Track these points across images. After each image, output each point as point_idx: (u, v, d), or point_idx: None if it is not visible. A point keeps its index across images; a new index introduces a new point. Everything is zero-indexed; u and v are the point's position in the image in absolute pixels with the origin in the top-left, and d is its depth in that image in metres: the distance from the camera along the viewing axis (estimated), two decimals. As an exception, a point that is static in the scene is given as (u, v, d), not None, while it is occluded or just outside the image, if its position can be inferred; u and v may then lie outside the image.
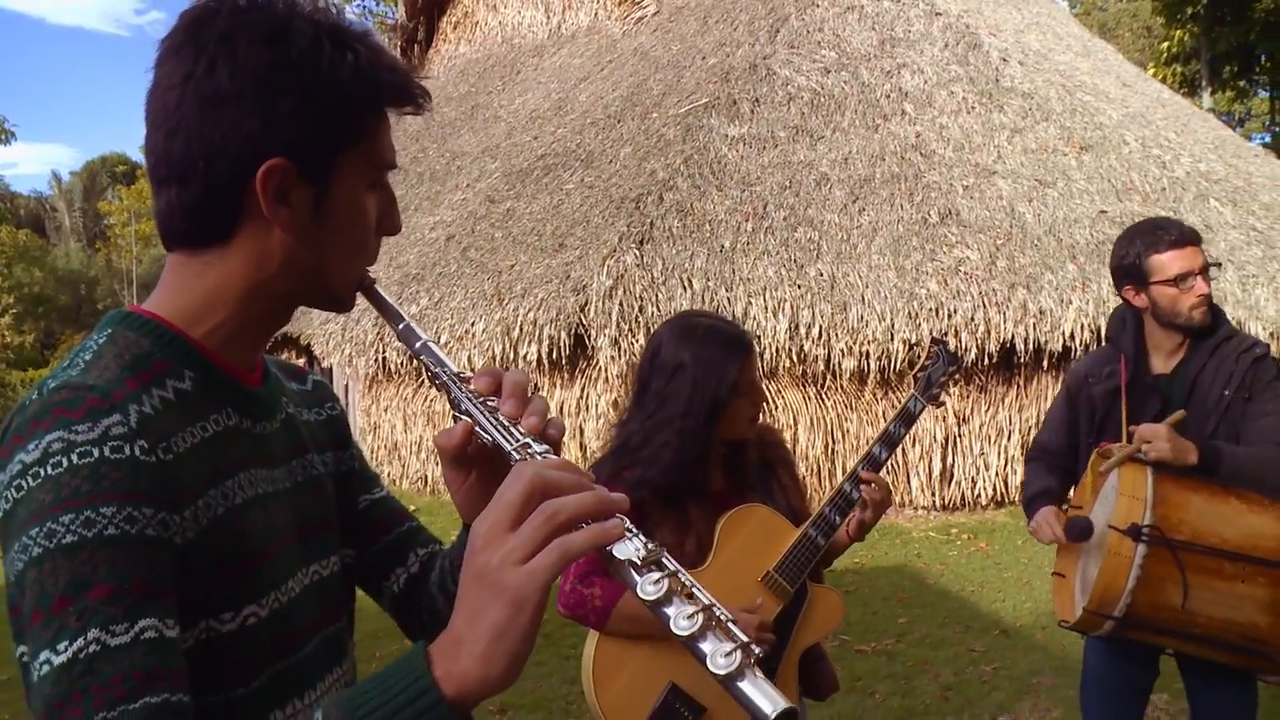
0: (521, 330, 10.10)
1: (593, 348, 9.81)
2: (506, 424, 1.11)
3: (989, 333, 9.37)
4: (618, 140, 12.30)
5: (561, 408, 10.09)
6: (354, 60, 1.16)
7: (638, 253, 10.13)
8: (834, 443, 9.87)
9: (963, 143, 11.28)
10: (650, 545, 0.95)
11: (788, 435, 9.29)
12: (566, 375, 10.20)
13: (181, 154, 1.14)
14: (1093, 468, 3.16)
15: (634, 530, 0.97)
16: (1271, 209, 11.53)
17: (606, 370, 9.71)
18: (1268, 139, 30.37)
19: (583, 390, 10.13)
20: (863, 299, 9.56)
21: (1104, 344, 3.47)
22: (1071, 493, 3.41)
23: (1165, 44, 28.12)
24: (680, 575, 0.95)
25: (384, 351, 11.41)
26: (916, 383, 2.74)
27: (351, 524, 1.44)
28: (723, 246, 10.16)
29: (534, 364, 9.93)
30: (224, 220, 1.16)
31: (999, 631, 6.79)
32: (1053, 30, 14.20)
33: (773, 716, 0.86)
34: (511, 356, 10.08)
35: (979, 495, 9.95)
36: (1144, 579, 2.80)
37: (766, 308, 9.60)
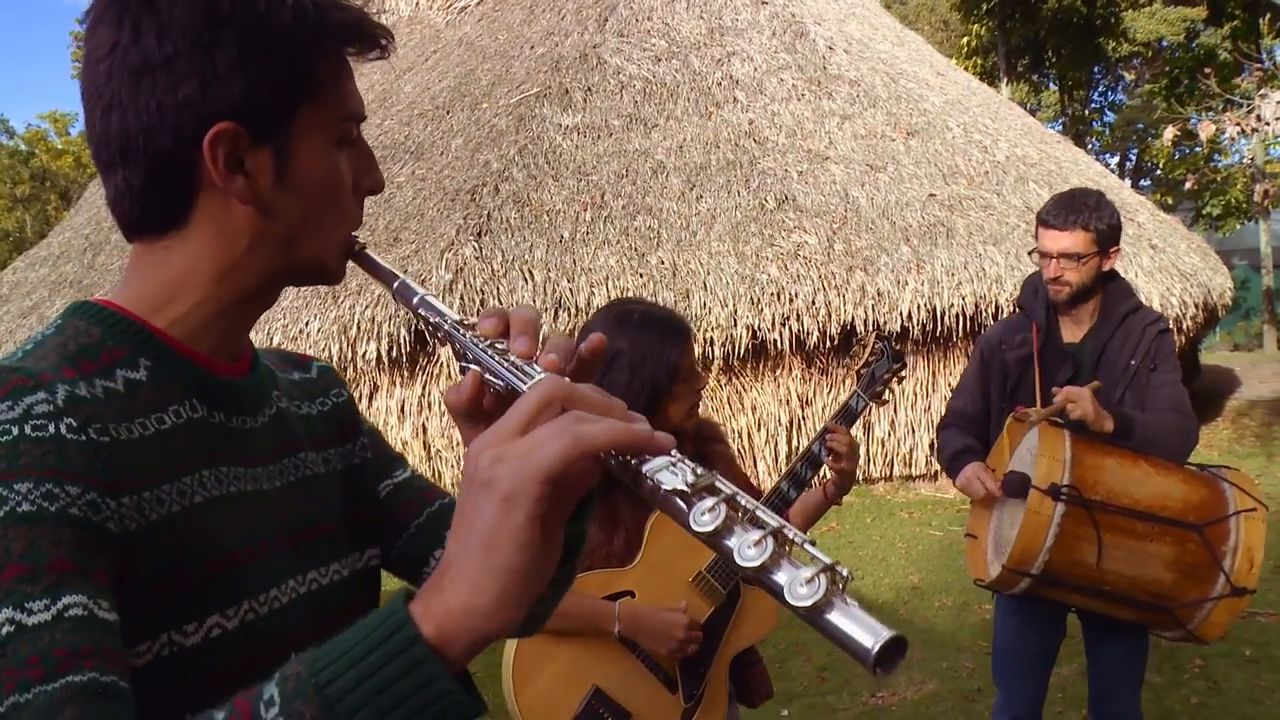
0: (359, 328, 9.78)
1: (434, 345, 9.58)
2: (520, 364, 0.97)
3: (829, 315, 9.51)
4: (448, 131, 12.06)
5: (403, 407, 9.84)
6: (295, 1, 1.03)
7: (476, 245, 9.94)
8: (681, 430, 9.86)
9: (795, 129, 11.43)
10: (699, 470, 0.81)
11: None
12: (407, 373, 9.93)
13: (119, 132, 1.01)
14: (1009, 431, 3.21)
15: (679, 457, 0.83)
16: (1083, 190, 12.04)
17: (449, 367, 9.50)
18: (1059, 128, 31.96)
19: (424, 388, 9.88)
20: (705, 286, 9.58)
21: (1015, 311, 3.56)
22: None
23: (965, 38, 29.30)
24: (739, 498, 0.80)
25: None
26: (859, 379, 2.70)
27: (375, 516, 1.30)
28: (562, 237, 10.05)
29: (373, 362, 9.63)
30: (177, 199, 1.04)
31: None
32: (869, 20, 14.51)
33: (875, 650, 0.71)
34: (350, 355, 9.76)
35: (824, 476, 10.08)
36: (1061, 537, 2.87)
37: (609, 298, 9.50)
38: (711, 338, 9.43)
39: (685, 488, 0.79)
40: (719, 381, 9.88)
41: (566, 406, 0.83)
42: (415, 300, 1.11)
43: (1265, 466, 10.84)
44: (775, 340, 9.53)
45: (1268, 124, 14.60)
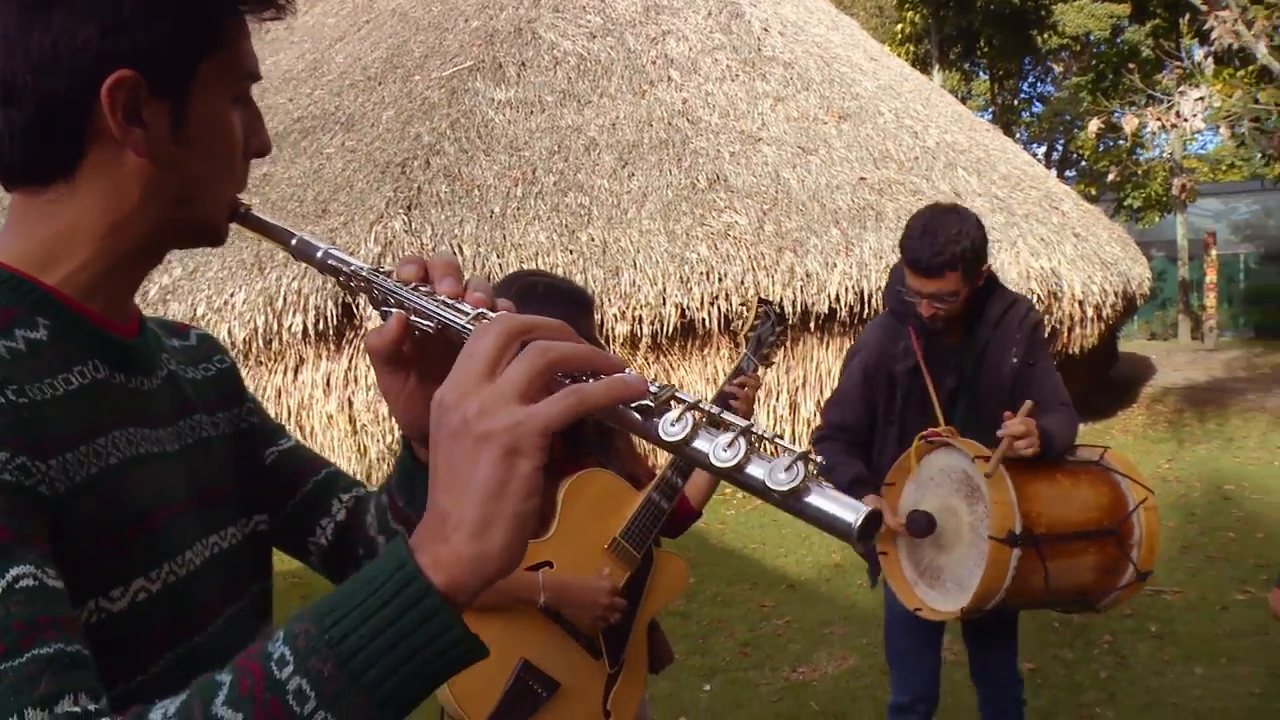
0: (285, 300, 9.64)
1: (361, 317, 9.50)
2: (450, 302, 0.97)
3: (758, 296, 9.56)
4: (379, 103, 11.91)
5: (329, 380, 9.74)
6: None
7: (405, 219, 9.86)
8: (609, 408, 9.88)
9: (728, 110, 11.47)
10: (658, 385, 0.83)
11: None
12: (333, 346, 9.82)
13: (5, 69, 0.96)
14: (916, 449, 3.23)
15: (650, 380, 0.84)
16: (1008, 179, 12.23)
17: (376, 339, 9.41)
18: (989, 117, 32.36)
19: (351, 361, 9.78)
20: (634, 264, 9.60)
21: (883, 312, 3.48)
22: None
23: (899, 25, 29.54)
24: (702, 404, 0.82)
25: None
26: (748, 343, 2.72)
27: (260, 483, 1.28)
28: (493, 212, 10.00)
29: (299, 335, 9.52)
30: (66, 147, 1.00)
31: (786, 586, 6.96)
32: (804, 4, 14.57)
33: (857, 524, 0.75)
34: (275, 328, 9.63)
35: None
36: (1016, 576, 2.96)
37: (540, 273, 9.49)
38: (640, 316, 9.45)
39: (649, 403, 0.81)
40: (647, 360, 9.90)
41: (526, 340, 0.82)
42: (320, 254, 1.10)
43: (1176, 452, 11.12)
44: (703, 319, 9.57)
45: (1186, 120, 14.94)
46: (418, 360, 1.07)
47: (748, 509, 9.10)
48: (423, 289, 1.00)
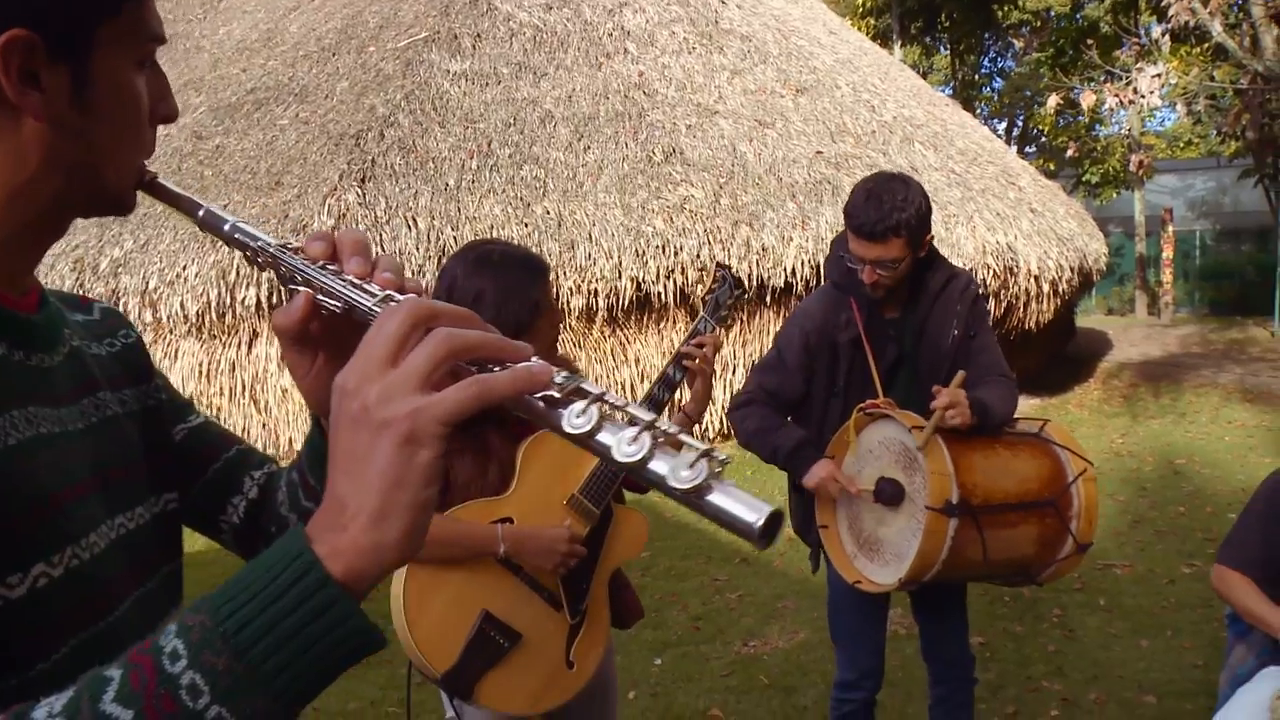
0: (238, 273, 9.53)
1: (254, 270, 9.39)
2: (357, 283, 0.95)
3: (717, 262, 9.53)
4: (333, 74, 11.79)
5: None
6: None
7: (359, 191, 9.77)
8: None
9: (685, 83, 11.42)
10: (564, 375, 0.82)
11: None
12: (285, 319, 9.74)
13: None
14: (856, 421, 3.21)
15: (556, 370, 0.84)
16: (966, 153, 12.26)
17: (330, 312, 9.33)
18: (949, 91, 32.44)
19: (302, 334, 9.70)
20: (590, 237, 9.55)
21: (825, 284, 3.45)
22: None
23: (859, -1, 29.52)
24: (608, 397, 0.81)
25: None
26: (705, 305, 2.75)
27: (170, 461, 1.24)
28: (447, 185, 9.92)
29: (253, 309, 9.42)
30: None
31: (739, 560, 6.97)
32: (764, -23, 14.58)
33: (760, 523, 0.74)
34: (229, 301, 9.52)
35: (706, 429, 10.17)
36: (954, 547, 2.95)
37: (495, 247, 9.43)
38: (596, 289, 9.42)
39: (555, 394, 0.81)
40: (603, 333, 9.88)
41: (431, 325, 0.81)
42: (228, 227, 1.07)
43: (1130, 426, 11.22)
44: (659, 293, 9.55)
45: (1143, 97, 15.04)
46: (325, 339, 1.06)
47: (703, 483, 9.10)
48: (330, 268, 0.98)
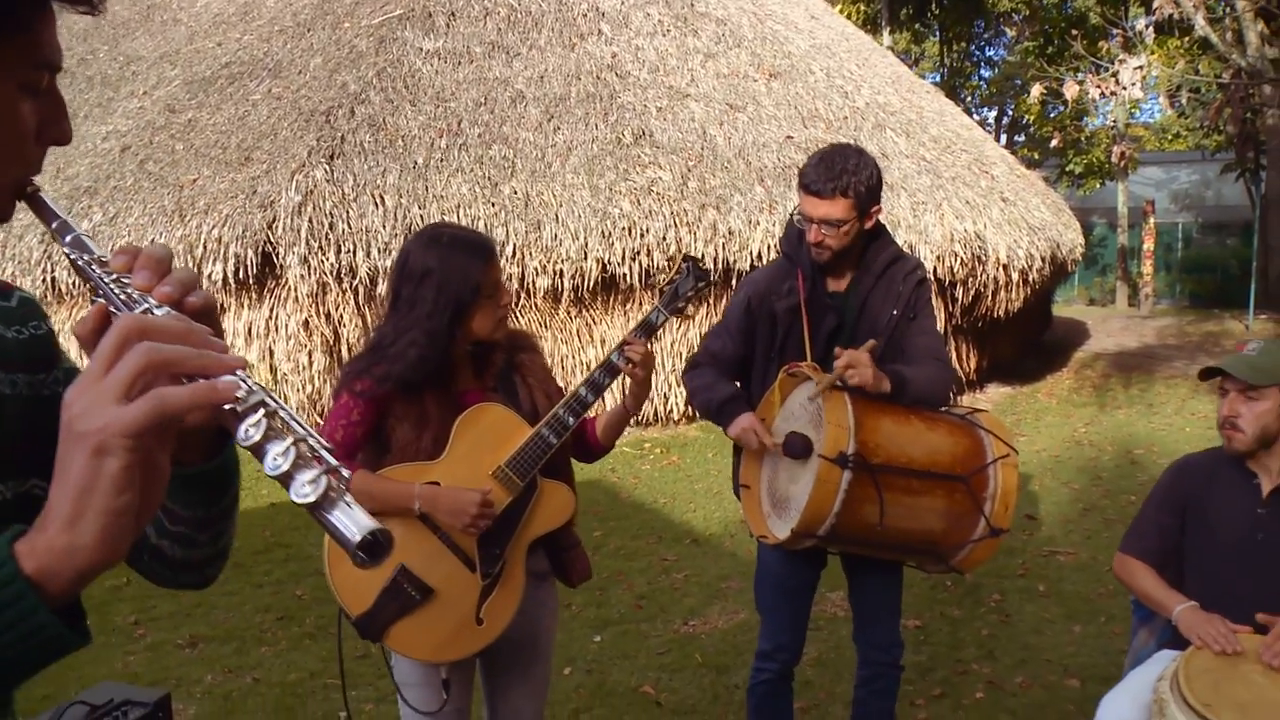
0: (206, 248, 9.54)
1: (281, 266, 9.42)
2: (136, 297, 0.99)
3: (680, 251, 9.56)
4: (307, 50, 11.77)
5: (250, 328, 9.67)
6: None
7: (328, 168, 9.76)
8: (529, 361, 9.86)
9: (657, 65, 11.41)
10: (254, 386, 0.89)
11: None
12: (254, 295, 9.74)
13: None
14: (780, 385, 3.25)
15: (251, 384, 0.89)
16: (939, 141, 12.26)
17: (296, 289, 9.34)
18: (938, 79, 32.43)
19: (272, 310, 9.71)
20: (557, 218, 9.56)
21: (780, 256, 3.53)
22: None
23: (851, -17, 29.43)
24: (280, 413, 0.88)
25: (53, 270, 10.56)
26: (662, 295, 2.86)
27: (49, 452, 1.29)
28: (416, 163, 9.91)
29: (219, 283, 9.42)
30: None
31: (690, 541, 7.01)
32: (745, -40, 14.54)
33: (357, 540, 0.84)
34: (196, 275, 9.52)
35: (671, 411, 10.21)
36: (847, 501, 2.96)
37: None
38: (562, 270, 9.43)
39: (235, 408, 0.87)
40: (569, 314, 9.90)
41: (144, 339, 0.85)
42: (69, 239, 1.11)
43: (1096, 415, 11.27)
44: (625, 274, 9.56)
45: (1125, 88, 15.07)
46: None
47: (662, 465, 9.14)
48: (124, 279, 1.02)
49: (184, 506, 1.17)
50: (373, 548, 0.84)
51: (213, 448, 1.10)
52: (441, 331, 2.56)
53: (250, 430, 0.86)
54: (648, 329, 2.78)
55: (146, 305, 0.97)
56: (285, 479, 0.84)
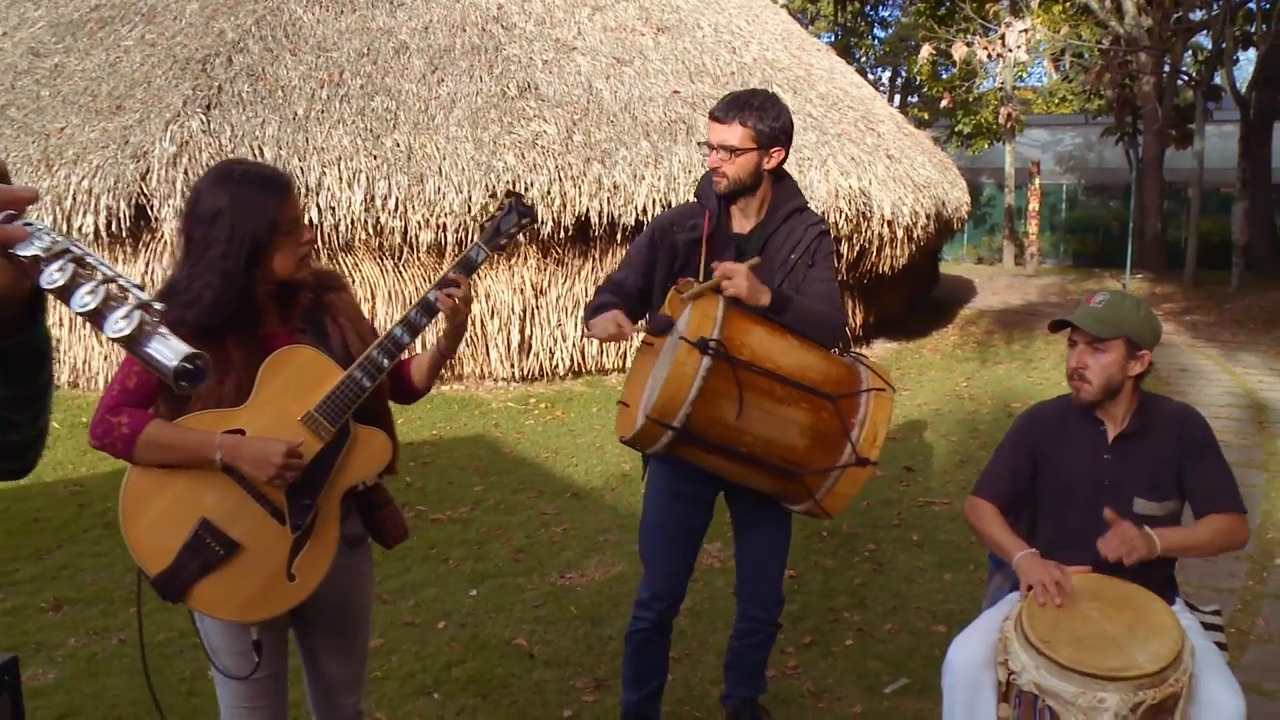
0: (75, 200, 9.23)
1: (156, 219, 9.16)
2: None
3: (565, 206, 9.50)
4: (183, -5, 11.41)
5: (122, 283, 9.38)
6: None
7: (204, 118, 9.50)
8: (413, 316, 9.74)
9: (544, 17, 11.29)
10: (58, 238, 0.91)
11: (366, 309, 9.04)
12: (129, 249, 9.47)
13: None
14: (671, 300, 3.26)
15: (46, 229, 0.92)
16: (826, 98, 12.34)
17: (172, 243, 9.08)
18: (832, 39, 32.65)
19: (147, 265, 9.45)
20: (440, 171, 9.42)
21: (692, 200, 3.60)
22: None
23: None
24: (87, 258, 0.91)
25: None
26: (483, 232, 2.77)
27: None
28: (296, 114, 9.69)
29: (91, 236, 9.12)
30: None
31: (571, 494, 7.00)
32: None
33: (174, 365, 0.88)
34: (65, 229, 9.20)
35: (557, 366, 10.17)
36: (705, 392, 2.91)
37: (341, 178, 9.27)
38: (445, 224, 9.31)
39: (40, 253, 0.90)
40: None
41: None
42: None
43: (977, 370, 11.50)
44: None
45: (1010, 51, 15.31)
46: None
47: (546, 420, 9.11)
48: None
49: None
50: (191, 374, 0.88)
51: (23, 322, 1.08)
52: (238, 273, 2.39)
53: (55, 275, 0.88)
54: (468, 266, 2.68)
55: None
56: (95, 316, 0.87)
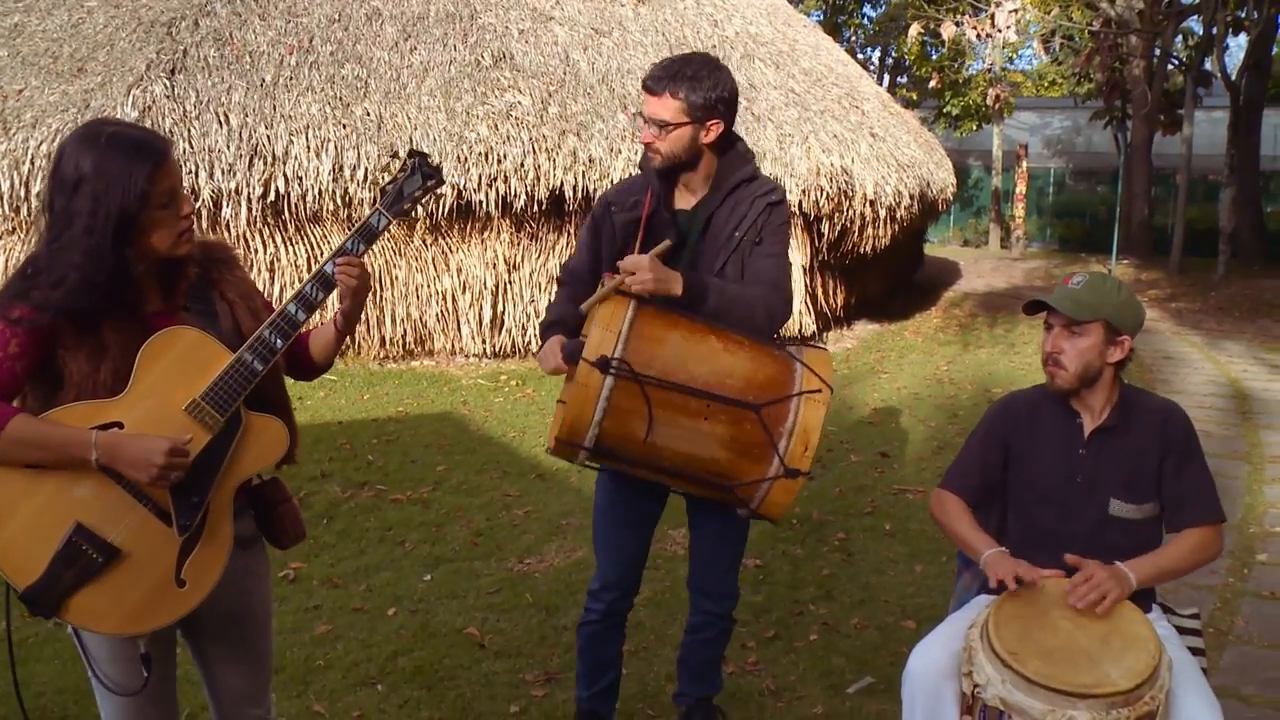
0: (33, 165, 8.97)
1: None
2: None
3: (539, 179, 9.28)
4: (150, -43, 11.12)
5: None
6: None
7: (168, 83, 9.25)
8: (381, 290, 9.54)
9: (522, -15, 11.04)
10: None
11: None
12: (88, 215, 9.21)
13: None
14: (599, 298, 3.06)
15: None
16: (810, 74, 12.10)
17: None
18: (820, 17, 32.40)
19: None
20: (411, 141, 9.19)
21: (637, 173, 3.36)
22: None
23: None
24: None
25: None
26: (384, 195, 2.53)
27: None
28: (263, 80, 9.45)
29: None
30: None
31: (535, 475, 6.81)
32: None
33: None
34: (23, 194, 8.97)
35: (530, 342, 9.96)
36: (611, 411, 2.74)
37: (309, 147, 9.04)
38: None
39: None
40: (424, 241, 9.57)
41: None
42: None
43: (959, 354, 11.32)
44: (481, 201, 9.25)
45: (1000, 31, 15.10)
46: None
47: (516, 398, 8.91)
48: None
49: None
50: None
51: None
52: (105, 250, 2.13)
53: None
54: (368, 235, 2.45)
55: None
56: None
